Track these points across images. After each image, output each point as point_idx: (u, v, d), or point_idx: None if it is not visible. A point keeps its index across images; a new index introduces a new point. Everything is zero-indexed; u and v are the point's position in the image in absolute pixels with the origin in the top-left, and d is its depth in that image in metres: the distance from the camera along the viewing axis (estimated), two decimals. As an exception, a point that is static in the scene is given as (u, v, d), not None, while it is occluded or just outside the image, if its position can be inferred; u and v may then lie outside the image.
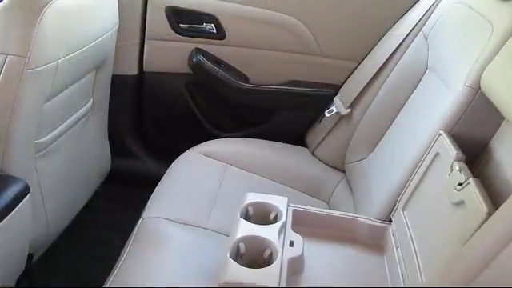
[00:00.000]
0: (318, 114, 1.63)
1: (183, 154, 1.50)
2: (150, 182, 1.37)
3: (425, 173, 0.97)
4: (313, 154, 1.62)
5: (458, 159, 0.86)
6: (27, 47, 1.02)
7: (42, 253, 1.36)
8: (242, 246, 0.91)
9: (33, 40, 1.02)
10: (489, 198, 0.74)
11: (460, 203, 0.80)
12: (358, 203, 1.30)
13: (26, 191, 1.07)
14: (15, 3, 1.06)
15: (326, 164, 1.57)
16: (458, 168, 0.83)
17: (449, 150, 0.89)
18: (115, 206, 1.69)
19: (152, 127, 1.79)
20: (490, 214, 0.69)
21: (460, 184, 0.81)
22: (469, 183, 0.79)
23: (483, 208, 0.71)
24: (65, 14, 1.12)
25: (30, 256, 1.25)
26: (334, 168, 1.55)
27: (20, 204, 1.04)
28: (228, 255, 0.88)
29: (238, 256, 0.90)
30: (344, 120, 1.54)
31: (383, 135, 1.37)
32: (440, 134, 0.95)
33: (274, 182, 1.44)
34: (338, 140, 1.54)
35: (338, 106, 1.55)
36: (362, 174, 1.37)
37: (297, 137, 1.67)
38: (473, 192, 0.76)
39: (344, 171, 1.51)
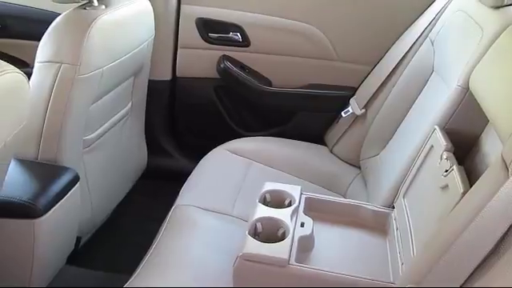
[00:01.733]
0: (335, 115, 1.74)
1: (211, 151, 1.64)
2: (181, 178, 1.50)
3: (421, 164, 1.09)
4: (331, 152, 1.73)
5: (446, 150, 0.98)
6: (78, 57, 1.19)
7: (88, 238, 1.54)
8: (259, 225, 1.05)
9: (83, 50, 1.19)
10: (468, 182, 0.86)
11: (445, 187, 0.92)
12: (369, 195, 1.42)
13: (76, 180, 1.24)
14: (67, 20, 1.24)
15: (343, 160, 1.69)
16: (445, 157, 0.95)
17: (440, 142, 1.01)
18: (151, 199, 1.81)
19: (184, 127, 1.94)
20: (465, 194, 0.81)
21: (446, 171, 0.93)
22: (453, 169, 0.91)
23: (460, 189, 0.83)
24: (108, 28, 1.29)
25: (78, 239, 1.43)
26: (351, 164, 1.66)
27: (71, 190, 1.21)
28: (247, 233, 1.02)
29: (255, 234, 1.04)
30: (359, 120, 1.65)
31: (394, 133, 1.48)
32: (434, 129, 1.07)
33: (294, 177, 1.54)
34: (354, 138, 1.66)
35: (353, 107, 1.67)
36: (375, 168, 1.49)
37: (316, 136, 1.78)
38: (455, 177, 0.88)
39: (359, 167, 1.63)
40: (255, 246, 0.98)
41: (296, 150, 1.69)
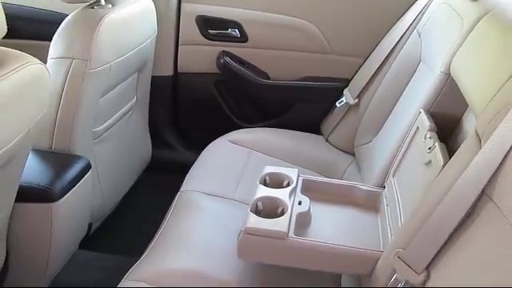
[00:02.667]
0: (330, 106, 1.82)
1: (213, 142, 1.72)
2: (184, 169, 1.57)
3: (409, 145, 1.18)
4: (326, 141, 1.81)
5: (430, 130, 1.06)
6: (88, 52, 1.28)
7: (98, 225, 1.63)
8: (259, 204, 1.14)
9: (92, 47, 1.28)
10: (448, 157, 0.94)
11: (428, 163, 1.01)
12: (363, 178, 1.51)
13: (88, 167, 1.33)
14: (77, 19, 1.33)
15: (338, 149, 1.77)
16: (429, 136, 1.04)
17: (425, 124, 1.10)
18: (156, 189, 1.91)
19: (186, 121, 2.03)
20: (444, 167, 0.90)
21: (429, 148, 1.02)
22: (435, 147, 1.00)
23: (440, 162, 0.92)
24: (115, 26, 1.38)
25: (89, 225, 1.52)
26: (345, 152, 1.74)
27: (84, 177, 1.30)
28: (249, 210, 1.11)
29: (256, 212, 1.13)
30: (353, 109, 1.74)
31: (385, 121, 1.57)
32: (420, 112, 1.16)
33: (292, 165, 1.60)
34: (348, 127, 1.74)
35: (347, 98, 1.76)
36: (368, 154, 1.57)
37: (312, 126, 1.87)
38: (437, 153, 0.97)
39: (354, 154, 1.72)
40: (257, 222, 1.07)
41: (293, 140, 1.77)
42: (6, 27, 0.81)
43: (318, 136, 1.85)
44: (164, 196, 1.48)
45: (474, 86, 0.96)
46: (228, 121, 1.95)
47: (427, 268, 0.86)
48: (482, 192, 0.79)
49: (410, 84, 1.49)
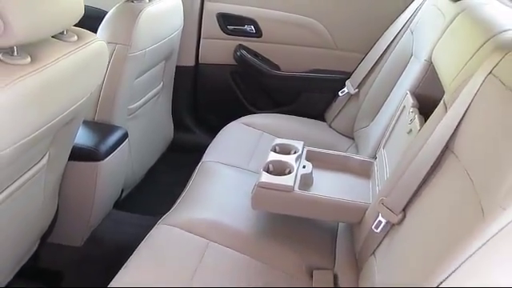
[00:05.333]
0: (333, 95, 2.05)
1: (229, 124, 1.94)
2: (202, 151, 1.76)
3: (396, 121, 1.41)
4: (330, 126, 2.03)
5: (413, 106, 1.29)
6: (129, 39, 1.52)
7: (127, 192, 1.86)
8: (270, 166, 1.37)
9: (133, 34, 1.52)
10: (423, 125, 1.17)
11: (410, 131, 1.24)
12: (360, 155, 1.73)
13: (125, 136, 1.56)
14: (120, 11, 1.57)
15: (339, 133, 1.99)
16: (411, 111, 1.27)
17: (409, 102, 1.33)
18: (176, 168, 2.05)
19: (204, 107, 2.26)
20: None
21: (411, 120, 1.25)
22: (415, 118, 1.22)
23: (417, 128, 1.14)
24: (151, 17, 1.62)
25: (122, 191, 1.75)
26: (346, 136, 1.97)
27: (122, 144, 1.54)
28: (262, 170, 1.34)
29: (268, 172, 1.36)
30: (353, 98, 1.97)
31: (381, 107, 1.79)
32: (406, 93, 1.39)
33: None
34: (349, 114, 1.97)
35: (348, 88, 1.98)
36: (365, 136, 1.80)
37: (317, 113, 2.09)
38: (416, 122, 1.20)
39: (353, 138, 1.95)
40: (268, 178, 1.30)
41: (300, 125, 1.98)
42: (83, 11, 1.04)
43: (322, 122, 2.07)
44: (183, 173, 1.66)
45: (447, 68, 1.18)
46: (242, 107, 2.18)
47: (403, 210, 1.08)
48: (446, 147, 1.01)
49: (402, 75, 1.71)
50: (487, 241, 0.57)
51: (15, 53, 0.88)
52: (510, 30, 1.07)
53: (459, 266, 0.59)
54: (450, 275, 0.60)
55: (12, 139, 0.89)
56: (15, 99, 0.86)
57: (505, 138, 0.78)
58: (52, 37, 1.01)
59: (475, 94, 0.94)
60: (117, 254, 1.30)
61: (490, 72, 0.92)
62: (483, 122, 0.90)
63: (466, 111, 0.96)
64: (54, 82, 0.96)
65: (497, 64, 0.91)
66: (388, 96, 1.75)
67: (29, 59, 0.90)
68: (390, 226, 1.11)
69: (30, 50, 0.92)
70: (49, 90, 0.94)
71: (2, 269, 1.27)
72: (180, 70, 2.09)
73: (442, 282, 0.61)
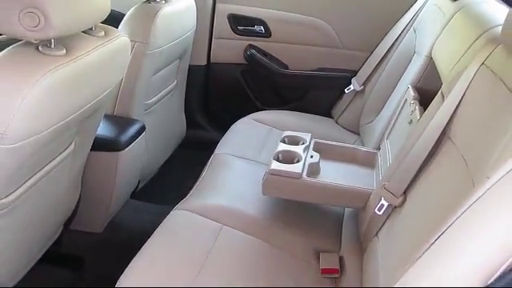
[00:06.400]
0: (339, 93, 2.13)
1: (240, 120, 2.02)
2: (213, 147, 1.83)
3: (399, 113, 1.49)
4: (336, 122, 2.12)
5: (414, 98, 1.38)
6: (147, 37, 1.62)
7: (143, 184, 1.96)
8: (280, 155, 1.46)
9: (150, 33, 1.62)
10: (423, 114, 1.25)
11: (410, 122, 1.32)
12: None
13: (143, 129, 1.66)
14: (138, 11, 1.67)
15: (345, 129, 2.08)
16: (412, 102, 1.35)
17: (410, 95, 1.41)
18: (187, 163, 2.12)
19: (215, 105, 2.34)
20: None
21: (412, 111, 1.33)
22: (415, 109, 1.31)
23: (417, 117, 1.23)
24: (167, 17, 1.71)
25: (138, 182, 1.84)
26: (352, 132, 2.06)
27: (140, 136, 1.63)
28: (272, 159, 1.43)
29: (278, 161, 1.44)
30: (358, 95, 2.05)
31: (385, 103, 1.87)
32: (408, 87, 1.47)
33: None
34: (355, 110, 2.05)
35: (354, 85, 2.07)
36: (370, 130, 1.88)
37: (324, 110, 2.17)
38: (416, 113, 1.29)
39: (359, 133, 2.03)
40: (278, 166, 1.38)
41: (307, 121, 2.06)
42: (109, 9, 1.14)
43: (329, 118, 2.15)
44: (195, 168, 1.73)
45: (445, 62, 1.27)
46: (252, 104, 2.26)
47: (404, 193, 1.16)
48: (443, 133, 1.10)
49: (405, 71, 1.79)
50: (473, 203, 0.65)
51: (52, 45, 0.98)
52: (501, 24, 1.15)
53: (447, 228, 0.68)
54: (438, 237, 0.69)
55: (48, 123, 0.98)
56: (52, 86, 0.95)
57: (493, 119, 0.86)
58: (82, 32, 1.10)
59: (469, 84, 1.03)
60: (135, 239, 1.38)
61: (483, 63, 1.00)
62: (476, 108, 0.98)
63: (461, 99, 1.05)
64: (85, 72, 1.05)
65: (488, 56, 0.99)
66: (392, 92, 1.83)
67: (64, 51, 1.00)
68: (392, 209, 1.19)
69: (65, 42, 1.02)
70: (80, 79, 1.04)
71: (27, 253, 1.36)
72: (192, 69, 2.18)
73: (432, 244, 0.69)
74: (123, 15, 1.69)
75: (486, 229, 0.59)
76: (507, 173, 0.63)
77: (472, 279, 0.58)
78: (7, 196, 1.06)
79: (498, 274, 0.57)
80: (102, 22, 1.18)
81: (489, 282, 0.57)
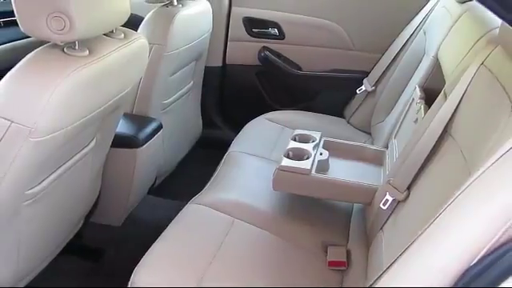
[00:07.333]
0: (351, 93, 2.17)
1: (254, 119, 2.08)
2: (228, 147, 1.90)
3: (406, 113, 1.54)
4: (348, 122, 2.17)
5: (420, 98, 1.42)
6: (165, 40, 1.69)
7: (160, 181, 2.03)
8: (290, 152, 1.52)
9: (168, 36, 1.70)
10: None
11: (416, 120, 1.37)
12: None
13: (160, 127, 1.74)
14: (157, 15, 1.75)
15: (357, 129, 2.13)
16: (418, 102, 1.40)
17: (417, 95, 1.46)
18: (203, 161, 2.13)
19: (231, 105, 2.41)
20: (423, 119, 1.26)
21: (417, 110, 1.38)
22: (420, 108, 1.35)
23: (421, 116, 1.27)
24: (184, 20, 1.79)
25: (155, 179, 1.92)
26: (363, 131, 2.10)
27: (157, 134, 1.71)
28: (282, 155, 1.49)
29: (288, 158, 1.50)
30: (370, 95, 2.09)
31: (396, 103, 1.92)
32: (415, 87, 1.52)
33: None
34: (366, 110, 2.09)
35: (365, 86, 2.11)
36: (380, 130, 1.93)
37: (336, 110, 2.22)
38: (421, 112, 1.33)
39: (370, 133, 2.07)
40: (288, 162, 1.44)
41: (319, 121, 2.11)
42: (129, 13, 1.22)
43: (341, 119, 2.20)
44: (211, 166, 1.78)
45: (448, 62, 1.31)
46: (266, 105, 2.33)
47: (408, 188, 1.21)
48: (445, 131, 1.14)
49: (415, 72, 1.84)
50: (466, 188, 0.70)
51: (77, 46, 1.06)
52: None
53: (440, 213, 0.73)
54: (432, 222, 0.74)
55: (73, 118, 1.06)
56: (76, 85, 1.03)
57: (489, 116, 0.91)
58: (104, 34, 1.18)
59: (469, 83, 1.07)
60: (151, 233, 1.44)
61: (482, 63, 1.05)
62: (474, 106, 1.03)
63: (461, 98, 1.09)
64: (106, 71, 1.13)
65: (487, 56, 1.04)
66: (402, 91, 1.88)
67: (87, 52, 1.08)
68: (396, 204, 1.24)
69: (88, 44, 1.10)
70: (101, 78, 1.12)
71: (51, 244, 1.45)
72: (208, 70, 2.25)
73: (425, 230, 0.74)
74: (142, 18, 1.78)
75: (475, 210, 0.64)
76: (496, 161, 0.67)
77: (459, 257, 0.63)
78: (35, 186, 1.14)
79: (485, 251, 0.61)
80: (123, 25, 1.26)
81: (475, 260, 0.62)
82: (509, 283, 0.60)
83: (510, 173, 0.65)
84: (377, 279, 0.79)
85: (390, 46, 2.10)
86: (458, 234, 0.65)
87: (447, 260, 0.64)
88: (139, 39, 1.27)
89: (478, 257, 0.63)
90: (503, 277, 0.60)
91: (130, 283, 1.16)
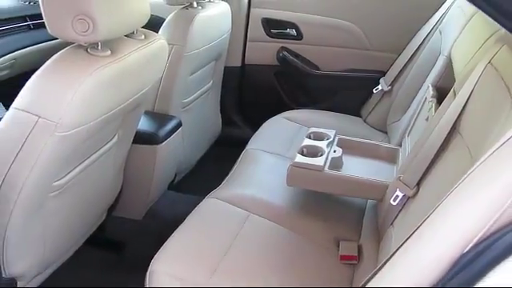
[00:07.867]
0: (368, 93, 2.20)
1: (272, 118, 2.13)
2: (246, 144, 1.96)
3: (419, 111, 1.56)
4: (364, 121, 2.20)
5: (432, 97, 1.45)
6: (185, 40, 1.75)
7: (180, 177, 2.09)
8: (305, 150, 1.56)
9: (188, 36, 1.76)
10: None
11: (427, 119, 1.39)
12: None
13: (180, 125, 1.80)
14: (177, 17, 1.81)
15: (373, 128, 2.15)
16: (430, 101, 1.42)
17: (430, 94, 1.48)
18: (222, 159, 2.15)
19: (250, 104, 2.46)
20: (434, 117, 1.29)
21: (429, 109, 1.40)
22: (432, 107, 1.38)
23: (432, 113, 1.30)
24: (204, 22, 1.85)
25: (175, 175, 1.98)
26: (380, 130, 2.13)
27: (177, 131, 1.77)
28: (296, 152, 1.53)
29: (302, 155, 1.54)
30: (386, 95, 2.12)
31: (412, 101, 1.94)
32: (428, 86, 1.54)
33: None
34: (383, 109, 2.11)
35: (382, 85, 2.14)
36: (396, 129, 1.95)
37: (353, 109, 2.25)
38: (432, 110, 1.36)
39: (386, 132, 2.10)
40: (301, 159, 1.49)
41: (336, 120, 2.15)
42: (149, 15, 1.28)
43: (358, 118, 2.23)
44: (229, 164, 1.83)
45: (459, 61, 1.34)
46: (284, 104, 2.37)
47: (417, 184, 1.24)
48: (454, 128, 1.17)
49: (431, 72, 1.85)
50: (466, 176, 0.72)
51: (99, 47, 1.13)
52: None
53: (443, 200, 0.76)
54: (434, 210, 0.77)
55: (96, 114, 1.13)
56: (99, 83, 1.10)
57: (493, 113, 0.94)
58: (125, 35, 1.25)
59: (477, 81, 1.10)
60: (170, 226, 1.50)
61: (489, 62, 1.07)
62: (481, 104, 1.05)
63: (469, 96, 1.12)
64: (127, 70, 1.20)
65: (494, 55, 1.06)
66: (418, 90, 1.90)
67: (109, 52, 1.15)
68: (406, 199, 1.27)
69: (110, 45, 1.17)
70: (122, 77, 1.19)
71: (75, 235, 1.52)
72: (228, 70, 2.30)
73: (428, 216, 0.77)
74: (163, 20, 1.84)
75: (475, 194, 0.66)
76: (497, 149, 0.69)
77: (457, 240, 0.65)
78: (61, 179, 1.21)
79: (481, 235, 0.63)
80: (143, 27, 1.32)
81: (471, 244, 0.64)
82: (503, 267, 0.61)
83: (511, 157, 0.65)
84: (381, 267, 0.82)
85: (406, 45, 2.12)
86: (457, 219, 0.67)
87: (445, 246, 0.66)
88: (158, 40, 1.33)
89: (477, 238, 0.63)
90: (500, 259, 0.61)
91: (148, 272, 1.22)
